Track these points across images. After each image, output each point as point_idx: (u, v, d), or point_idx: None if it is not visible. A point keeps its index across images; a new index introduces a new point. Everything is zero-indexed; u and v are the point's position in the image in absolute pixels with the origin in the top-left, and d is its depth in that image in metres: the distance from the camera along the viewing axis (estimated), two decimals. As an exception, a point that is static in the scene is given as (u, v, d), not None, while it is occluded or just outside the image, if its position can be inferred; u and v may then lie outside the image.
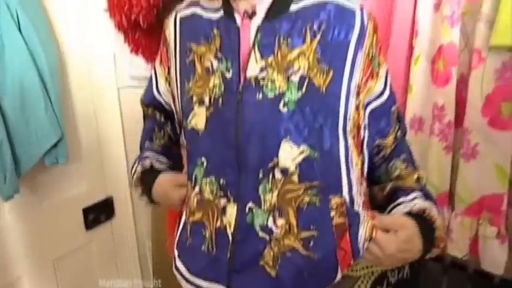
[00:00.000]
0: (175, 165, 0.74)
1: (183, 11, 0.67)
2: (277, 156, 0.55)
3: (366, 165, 0.63)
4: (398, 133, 0.68)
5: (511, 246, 0.91)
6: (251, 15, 0.59)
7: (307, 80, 0.55)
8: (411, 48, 0.97)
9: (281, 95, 0.55)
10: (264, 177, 0.56)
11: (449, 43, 0.89)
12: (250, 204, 0.57)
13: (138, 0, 1.07)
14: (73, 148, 1.06)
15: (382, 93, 0.63)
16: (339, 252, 0.56)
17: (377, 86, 0.62)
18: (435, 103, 0.93)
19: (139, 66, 1.26)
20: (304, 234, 0.56)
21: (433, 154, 0.95)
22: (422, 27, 0.93)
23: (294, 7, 0.58)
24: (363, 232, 0.56)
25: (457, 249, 0.96)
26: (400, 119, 0.69)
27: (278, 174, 0.55)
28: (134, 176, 0.73)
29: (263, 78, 0.56)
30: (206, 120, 0.59)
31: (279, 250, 0.56)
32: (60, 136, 0.96)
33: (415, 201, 0.60)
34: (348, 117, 0.58)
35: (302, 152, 0.55)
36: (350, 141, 0.58)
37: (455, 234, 0.95)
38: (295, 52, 0.56)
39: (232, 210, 0.58)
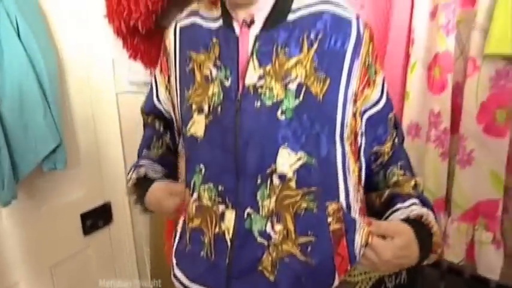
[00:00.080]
0: (171, 174, 0.75)
1: (183, 20, 0.68)
2: (275, 162, 0.56)
3: (363, 172, 0.64)
4: (396, 140, 0.69)
5: (507, 252, 0.92)
6: (249, 24, 0.60)
7: (304, 88, 0.56)
8: (408, 55, 0.99)
9: (279, 103, 0.56)
10: (262, 183, 0.57)
11: (445, 51, 0.90)
12: (248, 210, 0.57)
13: (137, 6, 1.07)
14: (71, 153, 1.07)
15: (378, 100, 0.64)
16: (336, 258, 0.57)
17: (374, 93, 0.63)
18: (431, 110, 0.94)
19: (137, 71, 1.27)
20: (302, 239, 0.56)
21: (430, 160, 0.96)
22: (418, 35, 0.95)
23: (291, 16, 0.59)
24: (359, 238, 0.56)
25: (454, 254, 0.96)
26: (397, 125, 0.70)
27: (276, 180, 0.56)
28: (129, 184, 0.73)
29: (261, 86, 0.57)
30: (205, 128, 0.59)
31: (277, 255, 0.57)
32: (58, 142, 0.96)
33: (412, 208, 0.61)
34: (344, 124, 0.58)
35: (299, 159, 0.56)
36: (347, 148, 0.59)
37: (451, 240, 0.96)
38: (293, 61, 0.57)
39: (230, 216, 0.58)
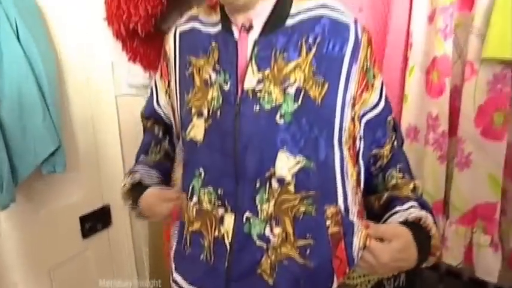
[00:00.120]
0: (167, 180, 0.75)
1: (182, 25, 0.69)
2: (274, 166, 0.56)
3: (362, 175, 0.64)
4: (395, 143, 0.69)
5: (504, 254, 0.93)
6: (248, 28, 0.60)
7: (303, 92, 0.57)
8: (406, 59, 0.99)
9: (278, 107, 0.56)
10: (261, 187, 0.57)
11: (443, 55, 0.91)
12: (247, 214, 0.58)
13: (137, 9, 1.08)
14: (70, 156, 1.07)
15: (377, 104, 0.64)
16: (335, 261, 0.57)
17: (372, 97, 0.63)
18: (429, 113, 0.95)
19: (137, 74, 1.28)
20: (301, 242, 0.57)
21: (428, 163, 0.97)
22: (416, 39, 0.95)
23: (290, 21, 0.59)
24: (357, 241, 0.57)
25: (452, 257, 0.97)
26: (396, 128, 0.70)
27: (275, 184, 0.56)
28: (123, 189, 0.74)
29: (260, 91, 0.57)
30: (204, 132, 0.60)
31: (276, 258, 0.57)
32: (57, 145, 0.96)
33: (411, 210, 0.61)
34: (343, 128, 0.59)
35: (298, 163, 0.56)
36: (345, 152, 0.59)
37: (450, 243, 0.96)
38: (291, 65, 0.57)
39: (230, 220, 0.59)
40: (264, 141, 0.56)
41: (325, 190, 0.57)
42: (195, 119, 0.61)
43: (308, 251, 0.56)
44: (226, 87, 0.59)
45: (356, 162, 0.62)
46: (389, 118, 0.67)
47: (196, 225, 0.62)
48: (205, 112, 0.60)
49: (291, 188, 0.56)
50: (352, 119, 0.60)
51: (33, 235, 1.04)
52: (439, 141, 0.94)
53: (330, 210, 0.57)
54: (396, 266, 0.57)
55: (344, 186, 0.59)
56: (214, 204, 0.60)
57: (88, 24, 1.16)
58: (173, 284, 0.66)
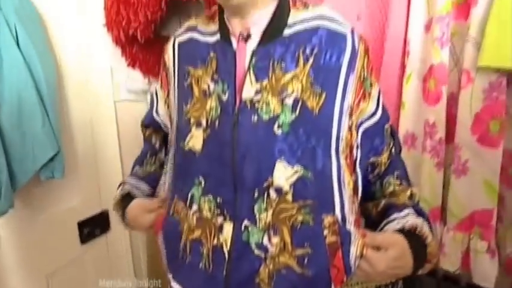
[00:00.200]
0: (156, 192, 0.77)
1: (181, 36, 0.69)
2: (271, 176, 0.56)
3: (359, 184, 0.65)
4: (393, 150, 0.70)
5: (501, 260, 0.93)
6: (246, 38, 0.60)
7: (300, 103, 0.57)
8: (403, 66, 1.00)
9: (276, 117, 0.57)
10: (259, 197, 0.57)
11: (440, 63, 0.92)
12: (246, 223, 0.58)
13: (136, 15, 1.09)
14: (69, 161, 1.06)
15: (374, 113, 0.65)
16: (332, 270, 0.57)
17: (369, 106, 0.64)
18: (426, 120, 0.96)
19: (136, 79, 1.28)
20: (299, 251, 0.57)
21: (425, 170, 0.97)
22: (413, 47, 0.96)
23: (287, 31, 0.60)
24: (354, 250, 0.57)
25: (450, 263, 0.97)
26: (394, 135, 0.70)
27: (273, 194, 0.57)
28: (114, 200, 0.77)
29: (258, 101, 0.57)
30: (203, 142, 0.60)
31: (274, 267, 0.57)
32: (56, 150, 0.96)
33: (407, 218, 0.62)
34: (340, 138, 0.59)
35: (296, 172, 0.56)
36: (342, 161, 0.60)
37: (447, 249, 0.97)
38: (289, 76, 0.58)
39: (228, 228, 0.59)
40: (262, 152, 0.57)
41: (323, 199, 0.58)
42: (193, 129, 0.61)
43: (306, 260, 0.57)
44: (225, 98, 0.59)
45: (353, 170, 0.63)
46: (386, 126, 0.67)
47: (196, 233, 0.62)
48: (203, 122, 0.60)
49: (289, 197, 0.56)
50: (350, 128, 0.61)
51: (31, 241, 1.04)
52: (436, 148, 0.95)
53: (327, 220, 0.57)
54: (392, 274, 0.58)
55: (341, 196, 0.59)
56: (213, 212, 0.60)
57: (87, 30, 1.16)
58: None
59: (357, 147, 0.63)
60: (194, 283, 0.62)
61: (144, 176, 0.79)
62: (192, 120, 0.62)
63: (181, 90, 0.66)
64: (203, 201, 0.61)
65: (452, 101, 0.94)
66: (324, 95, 0.58)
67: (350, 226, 0.59)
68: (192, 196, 0.62)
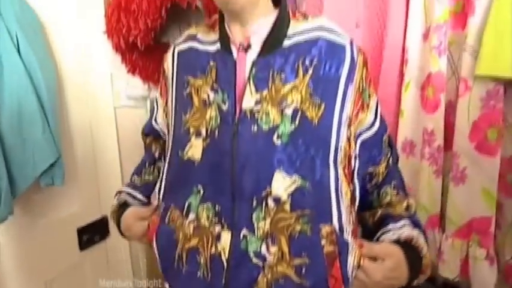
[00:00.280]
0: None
1: (180, 44, 0.70)
2: (270, 186, 0.57)
3: (357, 194, 0.65)
4: (390, 160, 0.70)
5: (500, 268, 0.93)
6: (246, 48, 0.61)
7: (300, 113, 0.57)
8: (402, 74, 1.01)
9: (275, 128, 0.57)
10: (257, 206, 0.57)
11: (438, 71, 0.92)
12: (244, 232, 0.58)
13: (136, 23, 1.09)
14: (69, 168, 1.07)
15: (373, 123, 0.65)
16: (330, 280, 0.57)
17: (368, 117, 0.64)
18: (425, 128, 0.96)
19: (136, 86, 1.29)
20: (297, 261, 0.57)
21: (424, 177, 0.98)
22: (411, 56, 0.97)
23: (287, 42, 0.60)
24: (351, 260, 0.57)
25: (449, 270, 0.97)
26: (391, 145, 0.71)
27: (271, 203, 0.57)
28: (111, 209, 0.77)
29: (258, 111, 0.58)
30: (202, 151, 0.60)
31: (272, 277, 0.57)
32: (57, 157, 0.96)
33: (403, 229, 0.62)
34: (338, 148, 0.59)
35: (294, 182, 0.57)
36: (340, 171, 0.60)
37: (446, 256, 0.97)
38: (289, 86, 0.58)
39: (226, 237, 0.59)
40: (261, 161, 0.57)
41: (320, 209, 0.58)
42: (193, 138, 0.62)
43: (304, 270, 0.57)
44: (225, 107, 0.60)
45: (351, 181, 0.63)
46: (384, 137, 0.68)
47: (193, 242, 0.62)
48: (203, 132, 0.61)
49: (287, 206, 0.57)
50: (348, 139, 0.61)
51: (31, 247, 1.04)
52: (435, 155, 0.96)
53: (324, 229, 0.58)
54: (388, 284, 0.59)
55: (339, 206, 0.59)
56: (211, 221, 0.60)
57: (88, 37, 1.17)
58: None
59: (355, 157, 0.63)
60: None
61: (142, 185, 0.80)
62: (191, 130, 0.62)
63: (180, 99, 0.67)
64: (201, 210, 0.61)
65: (450, 109, 0.95)
66: (323, 106, 0.58)
67: (348, 236, 0.59)
68: (190, 205, 0.62)
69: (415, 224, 0.64)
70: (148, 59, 1.24)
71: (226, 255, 0.59)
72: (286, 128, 0.57)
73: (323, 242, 0.57)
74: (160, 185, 0.69)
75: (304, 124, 0.57)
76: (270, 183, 0.57)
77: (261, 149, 0.57)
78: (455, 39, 0.92)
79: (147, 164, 0.81)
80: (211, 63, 0.63)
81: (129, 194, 0.78)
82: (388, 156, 0.70)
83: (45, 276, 1.08)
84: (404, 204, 0.67)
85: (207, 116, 0.61)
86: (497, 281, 0.92)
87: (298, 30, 0.61)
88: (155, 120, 0.77)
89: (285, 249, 0.57)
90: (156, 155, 0.81)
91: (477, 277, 0.93)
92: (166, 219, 0.65)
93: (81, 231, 1.16)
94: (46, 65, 0.98)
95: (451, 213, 0.95)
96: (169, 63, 0.70)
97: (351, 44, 0.62)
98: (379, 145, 0.67)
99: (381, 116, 0.67)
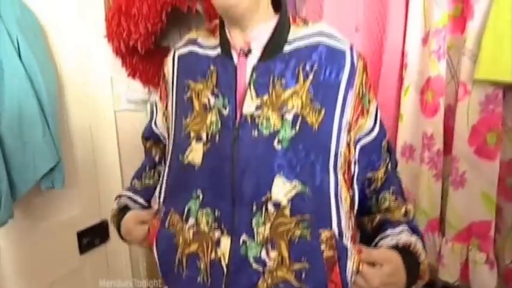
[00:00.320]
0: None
1: (181, 49, 0.70)
2: (270, 190, 0.57)
3: (356, 199, 0.65)
4: (389, 165, 0.70)
5: (500, 271, 0.93)
6: (247, 53, 0.61)
7: (300, 119, 0.58)
8: (401, 78, 1.01)
9: (276, 133, 0.57)
10: (257, 211, 0.57)
11: (437, 76, 0.93)
12: (243, 237, 0.58)
13: (137, 27, 1.09)
14: (69, 171, 1.07)
15: (372, 129, 0.65)
16: (330, 285, 0.57)
17: (368, 122, 0.64)
18: (424, 132, 0.96)
19: (136, 90, 1.29)
20: (296, 266, 0.57)
21: (424, 181, 0.98)
22: (411, 60, 0.97)
23: (287, 48, 0.60)
24: (350, 265, 0.58)
25: (449, 274, 0.97)
26: (390, 151, 0.71)
27: (271, 208, 0.57)
28: (111, 213, 0.77)
29: (258, 116, 0.58)
30: (203, 156, 0.60)
31: (272, 282, 0.57)
32: (57, 160, 0.96)
33: (401, 235, 0.63)
34: (338, 153, 0.60)
35: (294, 187, 0.57)
36: (340, 177, 0.60)
37: (446, 260, 0.97)
38: (289, 92, 0.58)
39: (226, 242, 0.59)
40: (262, 166, 0.57)
41: (320, 214, 0.58)
42: (193, 143, 0.62)
43: (304, 275, 0.57)
44: (225, 112, 0.60)
45: (350, 186, 0.63)
46: (383, 142, 0.68)
47: (193, 247, 0.62)
48: (204, 136, 0.61)
49: (287, 211, 0.57)
50: (348, 144, 0.61)
51: (31, 251, 1.04)
52: (434, 159, 0.96)
53: (324, 234, 0.58)
54: None
55: (338, 211, 0.60)
56: (211, 226, 0.60)
57: (88, 40, 1.18)
58: None
59: (355, 163, 0.64)
60: None
61: (142, 189, 0.80)
62: (192, 134, 0.62)
63: (180, 103, 0.67)
64: (201, 215, 0.61)
65: (450, 113, 0.95)
66: (323, 111, 0.58)
67: (347, 241, 0.59)
68: (189, 210, 0.62)
69: (414, 229, 0.65)
70: (148, 62, 1.24)
71: (226, 261, 0.59)
72: (287, 133, 0.57)
73: (323, 246, 0.57)
74: (161, 189, 0.69)
75: (305, 129, 0.57)
76: (270, 188, 0.57)
77: (261, 154, 0.57)
78: (454, 44, 0.93)
79: (147, 168, 0.81)
80: (212, 67, 0.63)
81: (129, 198, 0.78)
82: (387, 161, 0.70)
83: (45, 279, 1.08)
84: (403, 210, 0.67)
85: (208, 121, 0.61)
86: (497, 285, 0.92)
87: (298, 36, 0.61)
88: (155, 123, 0.77)
89: (285, 254, 0.57)
90: (157, 159, 0.81)
91: (477, 281, 0.93)
92: (167, 224, 0.65)
93: (81, 235, 1.16)
94: (46, 68, 0.98)
95: (451, 217, 0.95)
96: (169, 67, 0.70)
97: (351, 49, 0.62)
98: (378, 150, 0.67)
99: (380, 121, 0.67)
